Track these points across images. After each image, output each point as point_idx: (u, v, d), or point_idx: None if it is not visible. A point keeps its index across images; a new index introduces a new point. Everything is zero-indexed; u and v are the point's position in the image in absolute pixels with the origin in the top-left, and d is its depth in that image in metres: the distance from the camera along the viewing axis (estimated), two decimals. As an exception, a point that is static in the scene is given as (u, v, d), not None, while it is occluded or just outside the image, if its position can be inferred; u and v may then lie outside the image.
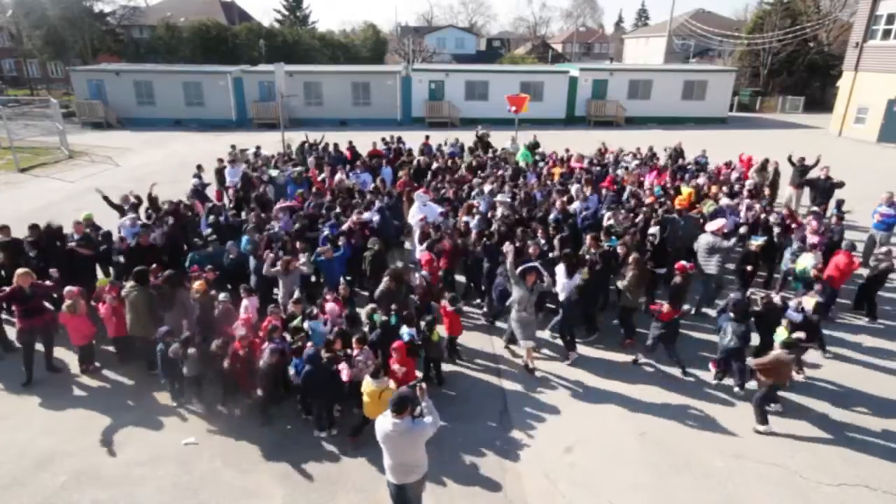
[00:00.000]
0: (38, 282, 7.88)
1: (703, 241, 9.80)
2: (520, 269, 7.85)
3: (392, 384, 6.22)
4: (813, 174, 13.78)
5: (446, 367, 8.25)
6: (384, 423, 4.93)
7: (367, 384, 6.18)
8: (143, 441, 6.77)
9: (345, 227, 10.23)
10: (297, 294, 8.20)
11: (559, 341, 8.80)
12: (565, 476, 6.30)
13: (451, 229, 10.25)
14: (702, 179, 13.63)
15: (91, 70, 31.12)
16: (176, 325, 7.59)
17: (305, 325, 7.48)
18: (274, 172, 13.84)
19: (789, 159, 14.54)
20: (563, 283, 8.41)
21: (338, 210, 11.16)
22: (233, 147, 16.64)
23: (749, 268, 9.75)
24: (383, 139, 17.86)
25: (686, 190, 12.46)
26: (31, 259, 9.03)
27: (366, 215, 10.75)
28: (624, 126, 31.29)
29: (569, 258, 8.52)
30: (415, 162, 15.01)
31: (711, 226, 9.89)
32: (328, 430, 6.82)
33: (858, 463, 6.50)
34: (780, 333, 7.29)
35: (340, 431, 6.83)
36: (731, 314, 7.55)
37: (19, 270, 7.69)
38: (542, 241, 9.49)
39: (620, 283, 8.72)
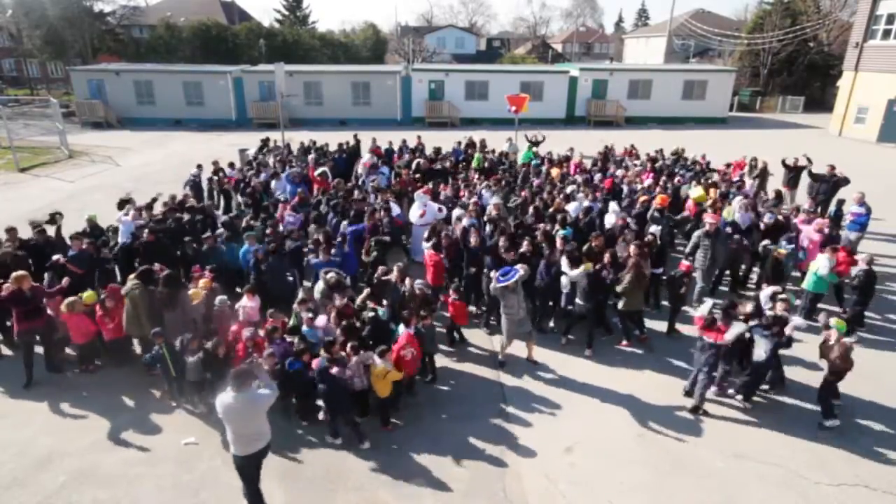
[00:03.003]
0: (37, 284, 7.85)
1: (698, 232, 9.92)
2: (500, 285, 7.73)
3: (391, 366, 6.78)
4: (817, 170, 13.79)
5: (448, 363, 8.28)
6: (225, 397, 5.16)
7: (376, 364, 6.73)
8: (143, 441, 6.77)
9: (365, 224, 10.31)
10: (301, 294, 8.18)
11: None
12: (565, 476, 6.30)
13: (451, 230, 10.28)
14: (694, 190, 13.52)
15: (91, 70, 31.12)
16: (176, 325, 7.57)
17: (304, 329, 7.48)
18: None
19: (783, 163, 14.55)
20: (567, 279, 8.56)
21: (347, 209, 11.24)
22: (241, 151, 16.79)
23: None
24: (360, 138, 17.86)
25: (662, 196, 12.32)
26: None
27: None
28: (624, 126, 31.28)
29: (571, 253, 8.60)
30: (414, 163, 15.03)
31: (707, 220, 9.90)
32: (336, 437, 6.76)
33: (858, 463, 6.50)
34: (839, 323, 6.95)
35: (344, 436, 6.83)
36: (763, 329, 7.18)
37: (16, 273, 7.62)
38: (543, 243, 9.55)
39: (618, 287, 8.65)
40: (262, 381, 5.42)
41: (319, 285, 8.40)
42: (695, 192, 12.45)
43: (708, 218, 9.94)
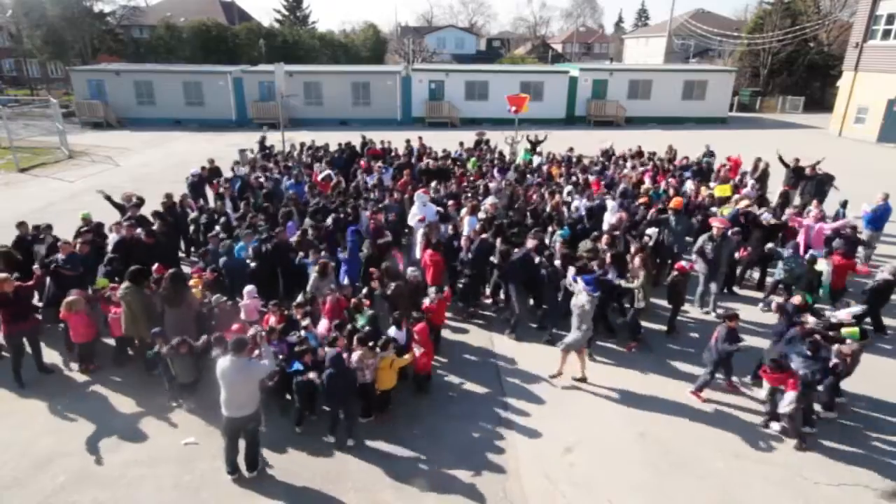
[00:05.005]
0: (22, 284, 7.77)
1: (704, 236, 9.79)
2: (588, 293, 7.54)
3: (394, 354, 6.88)
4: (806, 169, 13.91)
5: (448, 363, 8.27)
6: (223, 361, 5.69)
7: (379, 355, 6.79)
8: (143, 441, 6.77)
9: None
10: (300, 298, 8.18)
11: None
12: (565, 476, 6.30)
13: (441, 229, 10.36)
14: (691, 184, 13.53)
15: (91, 70, 31.14)
16: (180, 323, 7.55)
17: (302, 332, 7.46)
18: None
19: (780, 160, 14.52)
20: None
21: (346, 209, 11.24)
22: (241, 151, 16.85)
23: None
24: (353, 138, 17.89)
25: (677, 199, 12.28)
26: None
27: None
28: (624, 126, 31.30)
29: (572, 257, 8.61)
30: (424, 162, 15.16)
31: (714, 224, 9.83)
32: (334, 433, 6.74)
33: (858, 463, 6.50)
34: (852, 331, 7.05)
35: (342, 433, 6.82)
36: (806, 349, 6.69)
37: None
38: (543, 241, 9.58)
39: (632, 285, 8.56)
40: (265, 353, 5.95)
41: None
42: (720, 189, 12.54)
43: (714, 222, 9.74)
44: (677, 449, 6.72)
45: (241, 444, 6.14)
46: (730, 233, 9.94)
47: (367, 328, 7.38)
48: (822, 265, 9.06)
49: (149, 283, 7.91)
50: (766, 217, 10.78)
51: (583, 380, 7.95)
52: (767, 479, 6.25)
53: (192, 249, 11.54)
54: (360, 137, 18.19)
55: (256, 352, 6.17)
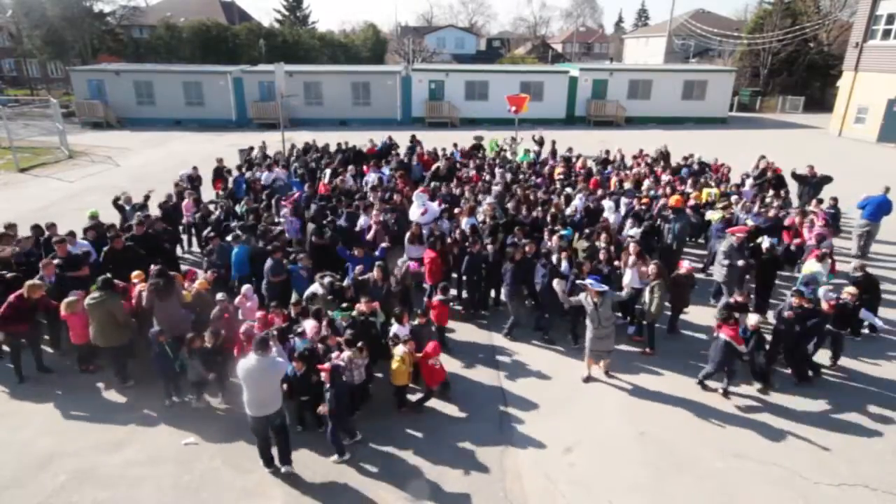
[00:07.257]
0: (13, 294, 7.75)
1: (725, 245, 9.57)
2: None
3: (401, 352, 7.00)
4: (799, 171, 13.90)
5: (448, 364, 8.25)
6: (248, 361, 5.78)
7: (397, 351, 7.03)
8: (143, 441, 6.77)
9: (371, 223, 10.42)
10: (294, 297, 8.17)
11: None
12: (565, 476, 6.29)
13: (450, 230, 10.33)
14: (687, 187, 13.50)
15: (91, 70, 31.12)
16: (172, 318, 7.54)
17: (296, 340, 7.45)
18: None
19: (793, 174, 14.21)
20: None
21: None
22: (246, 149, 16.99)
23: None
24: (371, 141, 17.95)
25: (679, 194, 12.23)
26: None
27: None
28: (624, 126, 31.30)
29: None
30: (434, 166, 15.17)
31: (736, 232, 9.62)
32: (352, 437, 6.73)
33: (858, 463, 6.50)
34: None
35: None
36: None
37: (30, 283, 7.63)
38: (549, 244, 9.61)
39: (647, 297, 8.44)
40: (279, 352, 6.15)
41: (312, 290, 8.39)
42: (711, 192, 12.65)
43: (735, 230, 9.50)
44: (677, 449, 6.72)
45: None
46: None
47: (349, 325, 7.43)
48: (818, 265, 9.05)
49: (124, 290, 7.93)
50: (769, 242, 9.80)
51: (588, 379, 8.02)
52: (767, 479, 6.25)
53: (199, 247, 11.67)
54: (389, 140, 18.20)
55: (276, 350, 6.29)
